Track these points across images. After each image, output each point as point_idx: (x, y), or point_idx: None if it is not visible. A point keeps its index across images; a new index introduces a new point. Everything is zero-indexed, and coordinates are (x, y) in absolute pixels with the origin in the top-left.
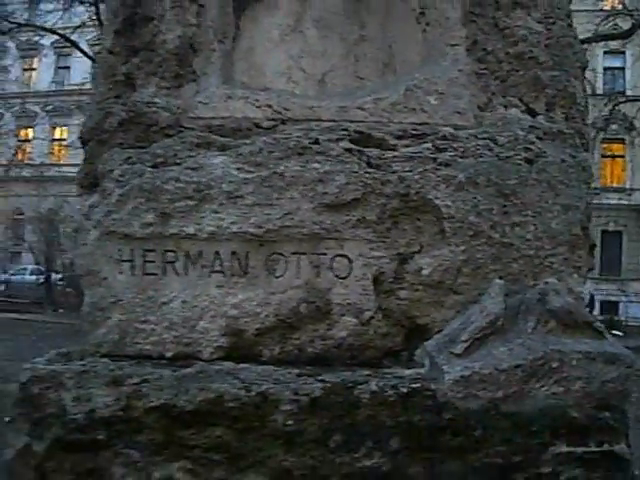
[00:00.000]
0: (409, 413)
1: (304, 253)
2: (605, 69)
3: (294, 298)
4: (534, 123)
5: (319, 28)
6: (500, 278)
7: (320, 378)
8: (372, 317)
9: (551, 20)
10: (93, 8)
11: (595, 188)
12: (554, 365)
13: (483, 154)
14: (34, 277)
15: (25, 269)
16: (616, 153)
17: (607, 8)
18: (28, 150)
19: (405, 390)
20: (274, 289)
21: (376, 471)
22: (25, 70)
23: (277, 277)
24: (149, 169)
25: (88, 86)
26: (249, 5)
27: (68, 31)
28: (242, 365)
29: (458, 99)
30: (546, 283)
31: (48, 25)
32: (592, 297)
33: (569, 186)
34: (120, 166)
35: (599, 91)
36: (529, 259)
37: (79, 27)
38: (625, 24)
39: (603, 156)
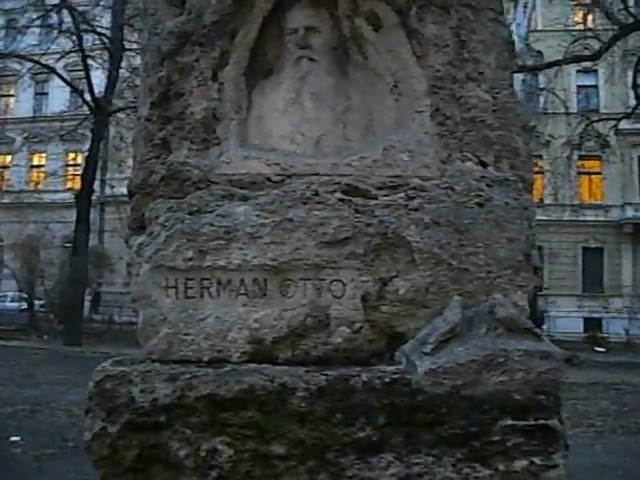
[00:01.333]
0: (392, 397)
1: (309, 279)
2: (578, 87)
3: (302, 314)
4: (484, 173)
5: (314, 100)
6: (459, 295)
7: (324, 373)
8: (361, 327)
9: (496, 91)
10: (75, 38)
11: (573, 205)
12: (500, 360)
13: (444, 200)
14: (15, 304)
15: (5, 296)
16: (592, 170)
17: (577, 28)
18: (7, 177)
19: (388, 380)
20: (286, 307)
21: (367, 440)
22: (2, 97)
23: (289, 298)
24: (188, 216)
25: (67, 114)
26: (258, 83)
27: (47, 58)
28: (263, 365)
29: (424, 156)
30: (494, 299)
31: (27, 52)
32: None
33: (512, 223)
34: (165, 213)
35: (573, 110)
36: (481, 280)
37: (64, 56)
38: (596, 43)
39: (579, 173)
